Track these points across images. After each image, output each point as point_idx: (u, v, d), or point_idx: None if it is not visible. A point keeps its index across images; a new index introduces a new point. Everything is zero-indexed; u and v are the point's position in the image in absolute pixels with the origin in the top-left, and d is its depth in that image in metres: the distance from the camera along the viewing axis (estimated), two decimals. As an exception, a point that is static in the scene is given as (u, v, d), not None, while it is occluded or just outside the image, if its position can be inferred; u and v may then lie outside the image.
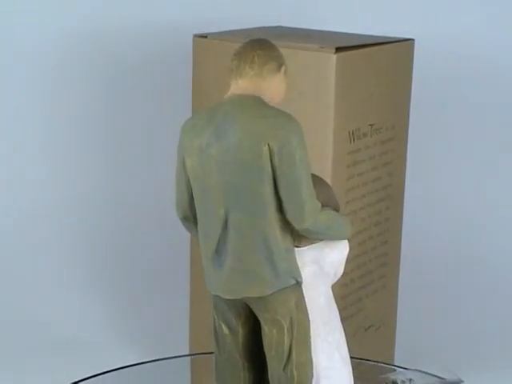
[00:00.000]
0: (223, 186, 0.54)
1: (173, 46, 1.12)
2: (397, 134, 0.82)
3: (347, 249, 0.60)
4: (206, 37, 0.79)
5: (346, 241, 0.60)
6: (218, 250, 0.55)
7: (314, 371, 0.58)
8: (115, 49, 1.15)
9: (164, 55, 1.13)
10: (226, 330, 0.58)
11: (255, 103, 0.55)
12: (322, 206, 0.56)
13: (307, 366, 0.57)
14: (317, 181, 0.58)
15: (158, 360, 0.80)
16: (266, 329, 0.56)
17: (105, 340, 0.93)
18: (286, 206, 0.54)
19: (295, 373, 0.57)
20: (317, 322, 0.58)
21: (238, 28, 0.83)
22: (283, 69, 0.57)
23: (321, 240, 0.58)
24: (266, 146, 0.53)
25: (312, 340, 0.58)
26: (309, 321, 0.57)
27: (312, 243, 0.58)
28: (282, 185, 0.54)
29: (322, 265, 0.58)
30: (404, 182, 0.85)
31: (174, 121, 1.06)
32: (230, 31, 0.81)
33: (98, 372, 0.75)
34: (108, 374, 0.76)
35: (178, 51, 1.06)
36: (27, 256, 1.09)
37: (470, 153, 1.16)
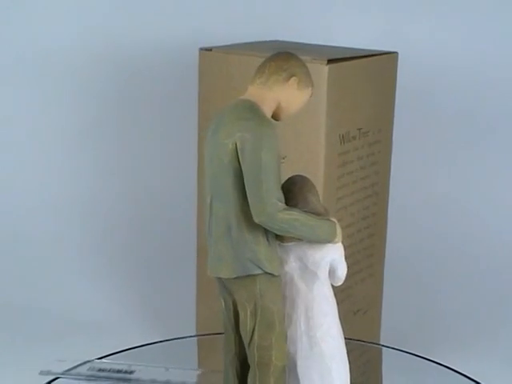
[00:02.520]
0: (210, 177, 0.56)
1: (180, 58, 1.11)
2: (382, 137, 0.83)
3: (337, 253, 0.59)
4: (210, 50, 0.79)
5: (337, 245, 0.58)
6: (208, 233, 0.57)
7: (290, 359, 0.59)
8: (127, 61, 1.14)
9: (172, 67, 1.12)
10: (222, 305, 0.59)
11: (244, 107, 0.56)
12: (294, 207, 0.56)
13: (271, 350, 0.58)
14: (300, 185, 0.59)
15: (166, 340, 0.80)
16: (238, 309, 0.58)
17: (116, 322, 0.93)
18: (248, 199, 0.55)
19: (256, 353, 0.58)
20: (299, 314, 0.59)
21: (240, 42, 0.84)
22: (293, 80, 0.57)
23: (299, 239, 0.58)
24: (234, 145, 0.55)
25: (291, 330, 0.58)
26: (279, 310, 0.57)
27: (293, 241, 0.58)
28: (245, 180, 0.55)
29: (305, 263, 0.58)
30: (389, 180, 0.86)
31: (181, 127, 1.08)
32: (232, 45, 0.82)
33: (111, 352, 0.76)
34: (119, 353, 0.76)
35: (184, 63, 1.06)
36: (50, 246, 1.09)
37: (447, 153, 1.16)
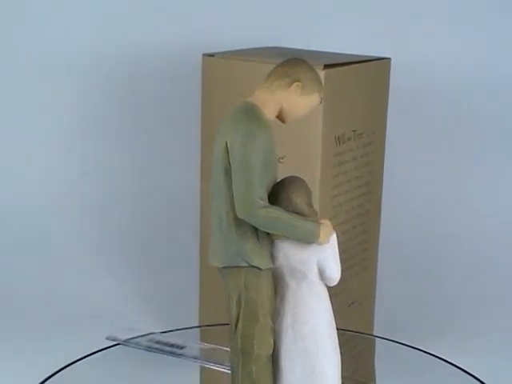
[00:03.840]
0: (213, 174, 0.57)
1: (184, 64, 1.10)
2: (376, 139, 0.84)
3: (323, 254, 0.58)
4: (213, 56, 0.79)
5: (323, 246, 0.57)
6: (210, 225, 0.59)
7: (276, 351, 0.59)
8: (132, 65, 1.14)
9: (177, 72, 1.12)
10: (227, 292, 0.60)
11: (242, 109, 0.57)
12: (276, 206, 0.56)
13: (253, 339, 0.58)
14: (287, 185, 0.58)
15: (170, 331, 0.80)
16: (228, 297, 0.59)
17: (122, 313, 0.93)
18: (234, 195, 0.56)
19: (239, 341, 0.58)
20: (287, 309, 0.59)
21: (242, 48, 0.84)
22: (295, 86, 0.57)
23: (281, 235, 0.57)
24: (225, 144, 0.56)
25: (278, 323, 0.59)
26: (263, 302, 0.58)
27: (278, 237, 0.58)
28: (232, 178, 0.56)
29: (291, 261, 0.58)
30: (382, 179, 0.87)
31: (185, 130, 1.08)
32: (234, 51, 0.82)
33: (112, 343, 0.76)
34: (121, 344, 0.76)
35: (188, 68, 1.04)
36: (62, 241, 1.09)
37: (437, 153, 1.16)
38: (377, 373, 0.80)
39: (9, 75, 1.15)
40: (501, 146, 1.16)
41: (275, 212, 0.55)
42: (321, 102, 0.59)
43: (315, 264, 0.58)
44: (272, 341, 0.58)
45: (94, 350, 0.74)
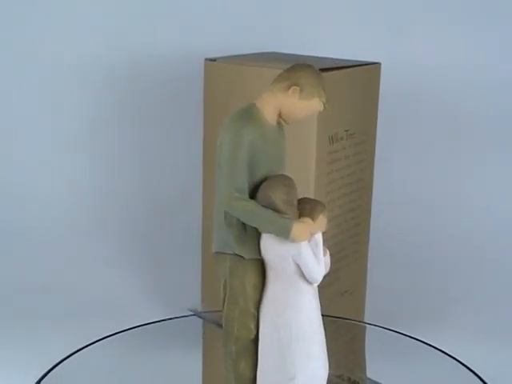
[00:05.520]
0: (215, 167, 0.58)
1: (187, 68, 1.09)
2: (367, 138, 0.84)
3: (297, 251, 0.56)
4: (215, 60, 0.79)
5: (298, 244, 0.56)
6: None
7: (259, 337, 0.59)
8: (137, 69, 1.13)
9: (180, 76, 1.11)
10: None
11: (242, 109, 0.57)
12: (252, 200, 0.56)
13: (234, 322, 0.59)
14: (268, 182, 0.57)
15: (169, 319, 0.79)
16: None
17: (124, 301, 0.93)
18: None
19: (224, 321, 0.59)
20: (268, 300, 0.58)
21: (242, 53, 0.84)
22: (293, 89, 0.56)
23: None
24: (219, 140, 0.57)
25: (261, 311, 0.59)
26: (244, 289, 0.58)
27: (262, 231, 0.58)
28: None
29: (271, 254, 0.58)
30: (373, 176, 0.87)
31: (188, 130, 1.08)
32: (234, 56, 0.82)
33: (120, 330, 0.75)
34: (127, 331, 0.75)
35: (191, 72, 1.02)
36: (71, 233, 1.09)
37: (425, 151, 1.16)
38: (367, 357, 0.81)
39: (19, 76, 1.15)
40: (487, 143, 1.16)
41: (250, 205, 0.56)
42: (324, 107, 0.58)
43: (291, 260, 0.57)
44: (252, 326, 0.59)
45: (101, 337, 0.73)
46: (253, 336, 0.59)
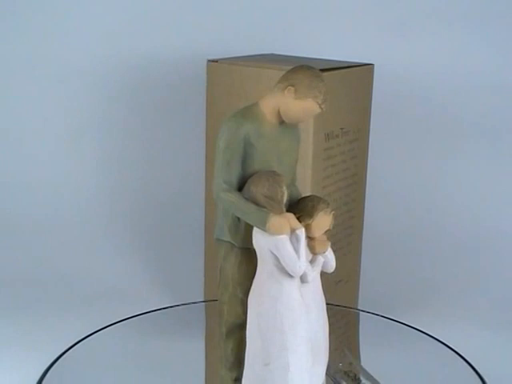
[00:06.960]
0: None
1: (190, 69, 1.10)
2: (361, 135, 0.84)
3: (273, 244, 0.56)
4: (217, 61, 0.79)
5: (276, 237, 0.56)
6: None
7: (246, 322, 0.59)
8: (139, 70, 1.13)
9: (183, 76, 1.11)
10: None
11: (243, 107, 0.58)
12: (237, 192, 0.57)
13: (224, 305, 0.60)
14: (253, 176, 0.57)
15: (176, 306, 0.80)
16: None
17: (128, 289, 0.93)
18: None
19: (218, 304, 0.61)
20: (255, 288, 0.59)
21: (243, 54, 0.85)
22: (288, 89, 0.56)
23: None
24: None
25: (248, 298, 0.59)
26: (234, 274, 0.59)
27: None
28: None
29: (255, 244, 0.58)
30: (366, 171, 0.87)
31: (190, 130, 1.09)
32: (236, 57, 0.82)
33: (123, 317, 0.76)
34: (132, 319, 0.77)
35: (194, 73, 1.04)
36: (82, 226, 1.10)
37: (417, 147, 1.16)
38: (360, 343, 0.82)
39: (31, 77, 1.15)
40: (477, 141, 1.15)
41: (233, 197, 0.56)
42: (321, 109, 0.58)
43: (269, 252, 0.57)
44: (241, 311, 0.60)
45: (108, 324, 0.75)
46: (241, 320, 0.60)
